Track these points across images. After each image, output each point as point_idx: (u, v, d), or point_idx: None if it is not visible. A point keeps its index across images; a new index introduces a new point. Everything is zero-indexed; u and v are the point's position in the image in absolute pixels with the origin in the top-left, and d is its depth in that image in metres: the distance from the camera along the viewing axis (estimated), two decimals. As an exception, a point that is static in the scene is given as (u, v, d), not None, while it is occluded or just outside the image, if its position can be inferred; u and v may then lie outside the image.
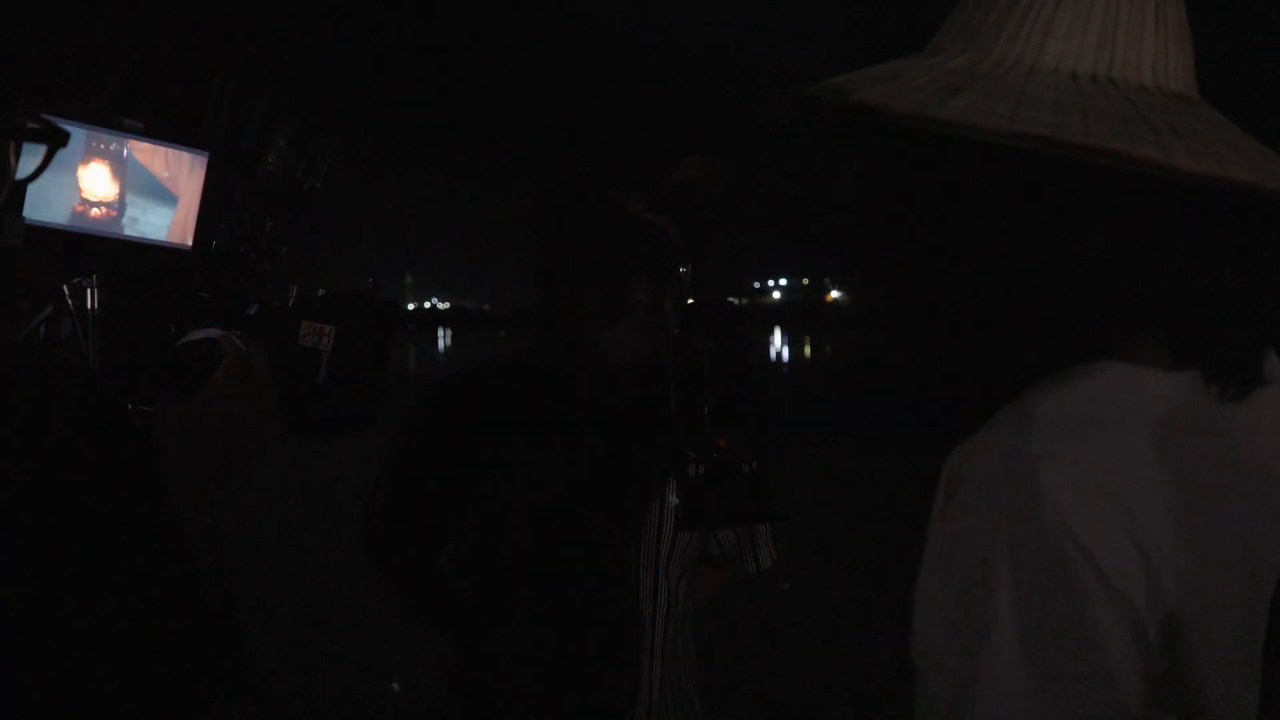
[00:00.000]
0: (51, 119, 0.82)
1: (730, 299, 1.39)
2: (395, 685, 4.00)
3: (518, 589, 1.54)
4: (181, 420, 0.90)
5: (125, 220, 1.00)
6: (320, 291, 1.06)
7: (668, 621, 1.58)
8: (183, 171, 1.04)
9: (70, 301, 0.96)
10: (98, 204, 0.97)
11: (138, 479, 0.70)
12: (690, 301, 1.40)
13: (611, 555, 1.54)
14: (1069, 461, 0.60)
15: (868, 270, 0.77)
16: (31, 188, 0.90)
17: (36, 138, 0.80)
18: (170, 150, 1.03)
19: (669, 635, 1.58)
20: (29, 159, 0.80)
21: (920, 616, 0.64)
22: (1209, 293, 0.67)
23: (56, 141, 0.81)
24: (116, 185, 0.97)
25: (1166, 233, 0.66)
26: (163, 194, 1.03)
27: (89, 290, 0.96)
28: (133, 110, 1.02)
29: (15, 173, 0.79)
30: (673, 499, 1.46)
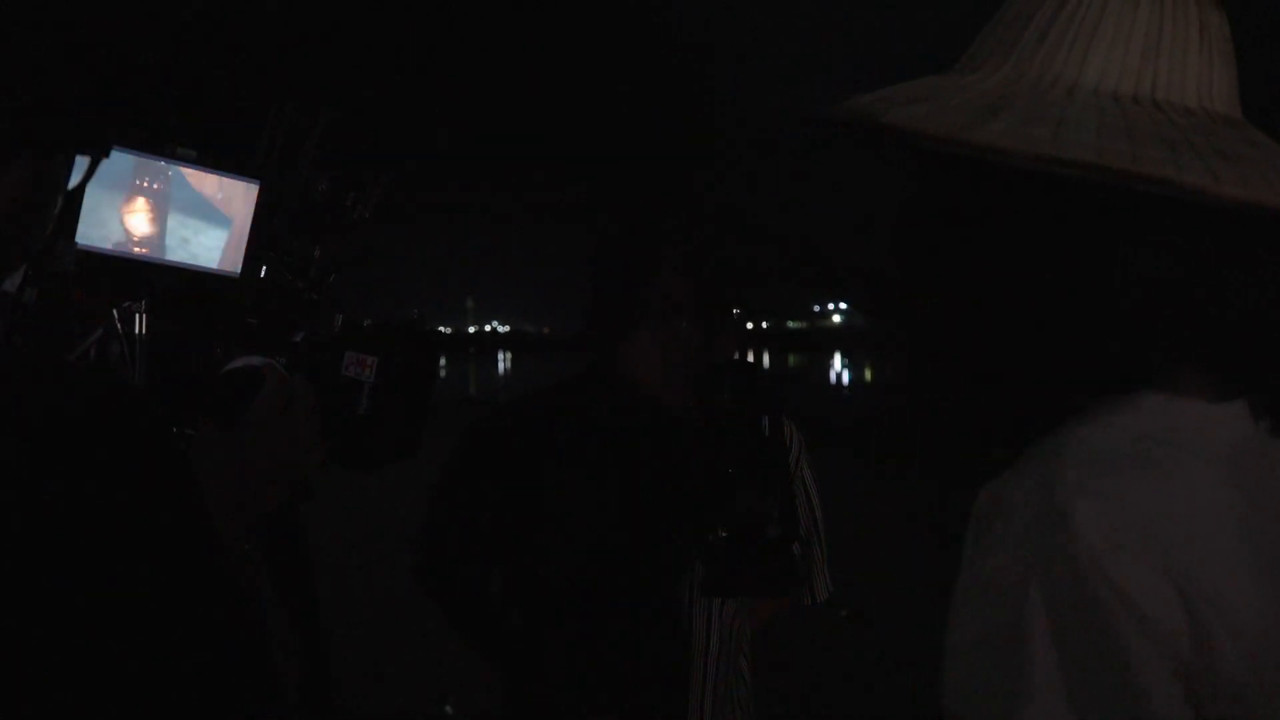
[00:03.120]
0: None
1: (750, 361, 1.38)
2: (448, 708, 4.01)
3: (566, 621, 1.53)
4: (221, 447, 0.90)
5: (176, 244, 1.01)
6: (366, 321, 1.06)
7: (720, 655, 1.55)
8: (235, 199, 1.05)
9: (119, 325, 0.97)
10: (141, 233, 0.98)
11: (183, 502, 0.70)
12: (715, 364, 1.41)
13: (661, 589, 1.53)
14: (1105, 499, 0.57)
15: (900, 300, 0.74)
16: (81, 212, 0.92)
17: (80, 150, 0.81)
18: (223, 178, 1.04)
19: (722, 668, 1.56)
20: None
21: (953, 662, 0.61)
22: (1263, 322, 0.63)
23: (99, 154, 0.82)
24: (160, 216, 0.98)
25: (1215, 260, 0.62)
26: (216, 221, 1.04)
27: (138, 315, 0.97)
28: (186, 138, 1.04)
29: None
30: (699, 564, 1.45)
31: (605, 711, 1.51)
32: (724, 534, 1.29)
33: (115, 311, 0.98)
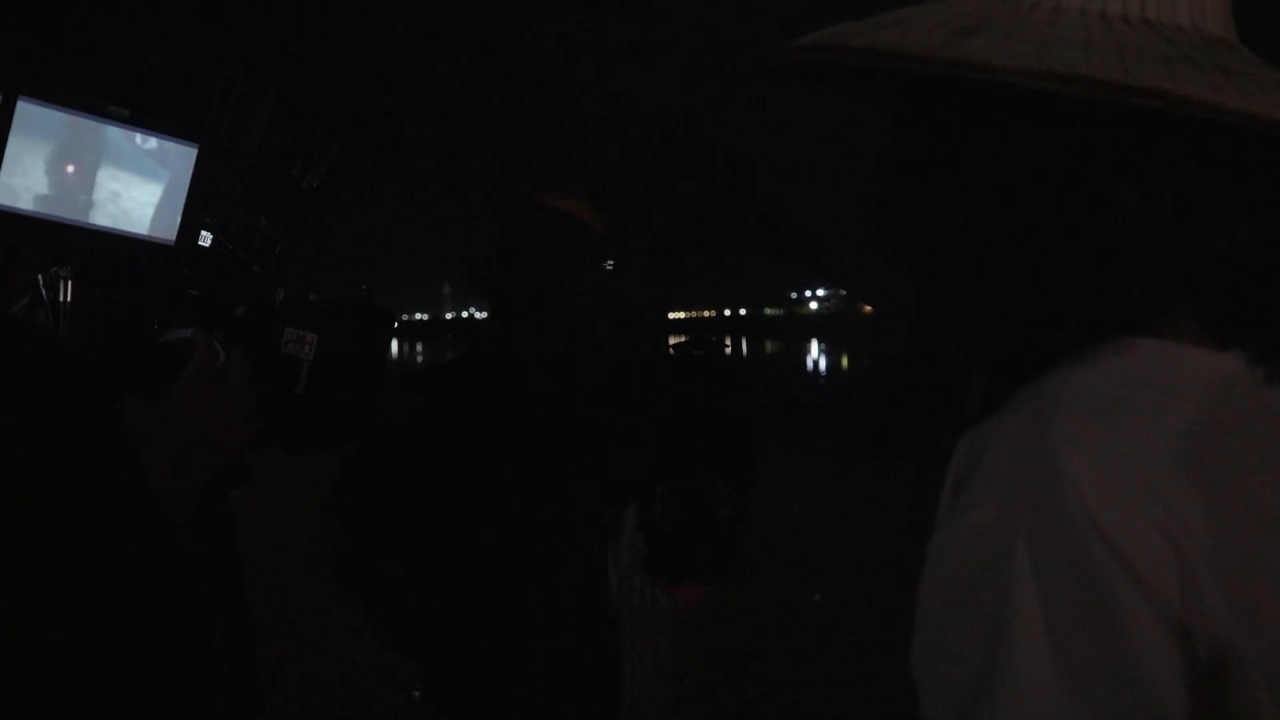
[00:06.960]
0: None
1: (713, 339, 1.34)
2: (416, 693, 3.97)
3: (483, 608, 1.49)
4: (145, 418, 0.85)
5: (105, 198, 0.95)
6: (311, 297, 1.01)
7: (642, 642, 1.52)
8: (169, 163, 0.99)
9: (44, 293, 0.92)
10: (67, 195, 0.92)
11: (118, 468, 0.66)
12: (677, 343, 1.38)
13: (581, 560, 1.49)
14: (1095, 447, 0.54)
15: (879, 248, 0.70)
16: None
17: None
18: (157, 140, 0.98)
19: (646, 656, 1.52)
20: None
21: (928, 619, 0.58)
22: (1256, 262, 0.60)
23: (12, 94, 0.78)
24: (88, 176, 0.93)
25: (1207, 193, 0.59)
26: (149, 176, 0.98)
27: (64, 281, 0.92)
28: (123, 98, 0.98)
29: None
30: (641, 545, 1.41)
31: (532, 694, 1.47)
32: (674, 515, 1.26)
33: (40, 278, 0.92)
